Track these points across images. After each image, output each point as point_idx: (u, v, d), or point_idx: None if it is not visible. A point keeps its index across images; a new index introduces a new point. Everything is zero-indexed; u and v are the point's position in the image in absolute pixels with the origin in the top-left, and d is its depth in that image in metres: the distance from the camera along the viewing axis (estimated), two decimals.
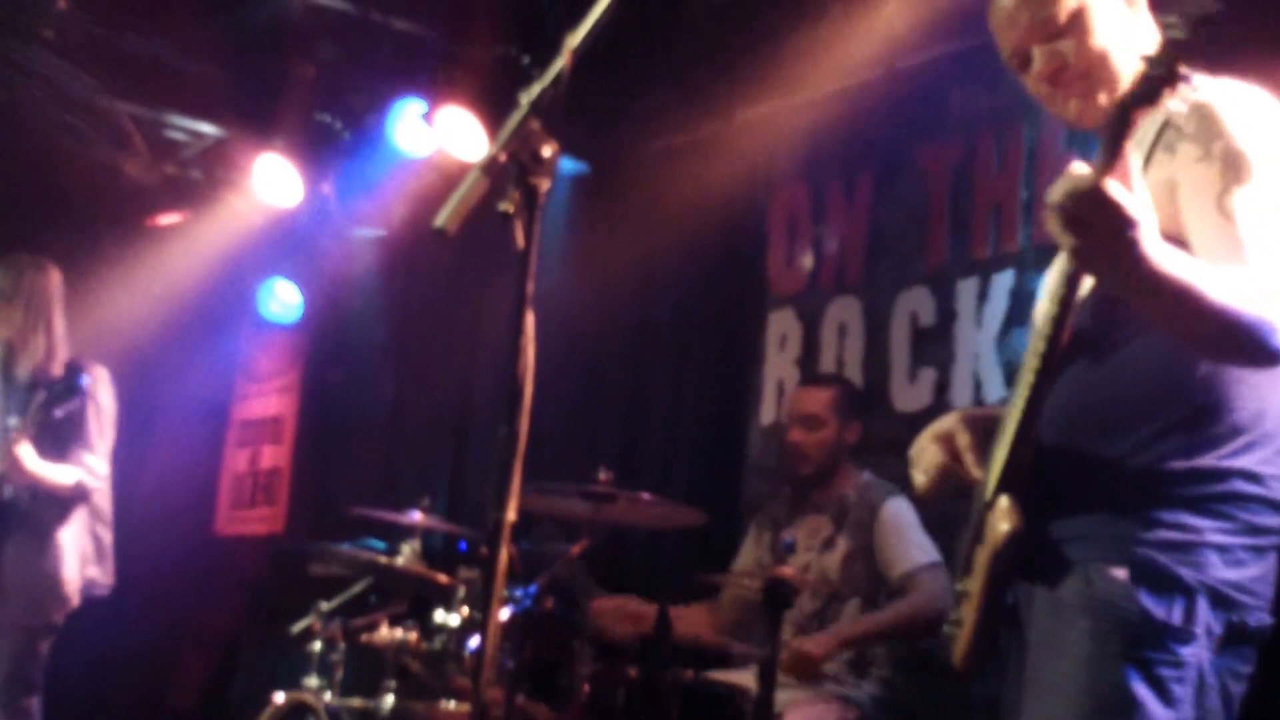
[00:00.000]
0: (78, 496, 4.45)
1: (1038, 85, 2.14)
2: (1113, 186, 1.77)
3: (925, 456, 2.24)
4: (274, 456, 7.05)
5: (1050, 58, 2.10)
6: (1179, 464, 1.96)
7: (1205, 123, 1.95)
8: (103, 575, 4.60)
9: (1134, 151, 1.89)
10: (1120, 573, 1.94)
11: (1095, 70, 2.08)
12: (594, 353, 5.66)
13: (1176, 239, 1.92)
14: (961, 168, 4.59)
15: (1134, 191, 1.82)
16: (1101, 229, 1.78)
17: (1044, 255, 4.09)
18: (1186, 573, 1.93)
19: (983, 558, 2.06)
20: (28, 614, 4.39)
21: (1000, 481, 2.03)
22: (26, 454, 4.27)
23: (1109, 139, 1.81)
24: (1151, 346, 1.98)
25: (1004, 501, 2.01)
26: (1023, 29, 2.12)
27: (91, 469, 4.47)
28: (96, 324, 5.60)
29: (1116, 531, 1.97)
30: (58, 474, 4.38)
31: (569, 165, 5.61)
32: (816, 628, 3.92)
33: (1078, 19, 2.08)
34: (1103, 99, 2.07)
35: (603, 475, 3.73)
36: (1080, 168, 1.80)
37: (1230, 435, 1.97)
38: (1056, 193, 1.80)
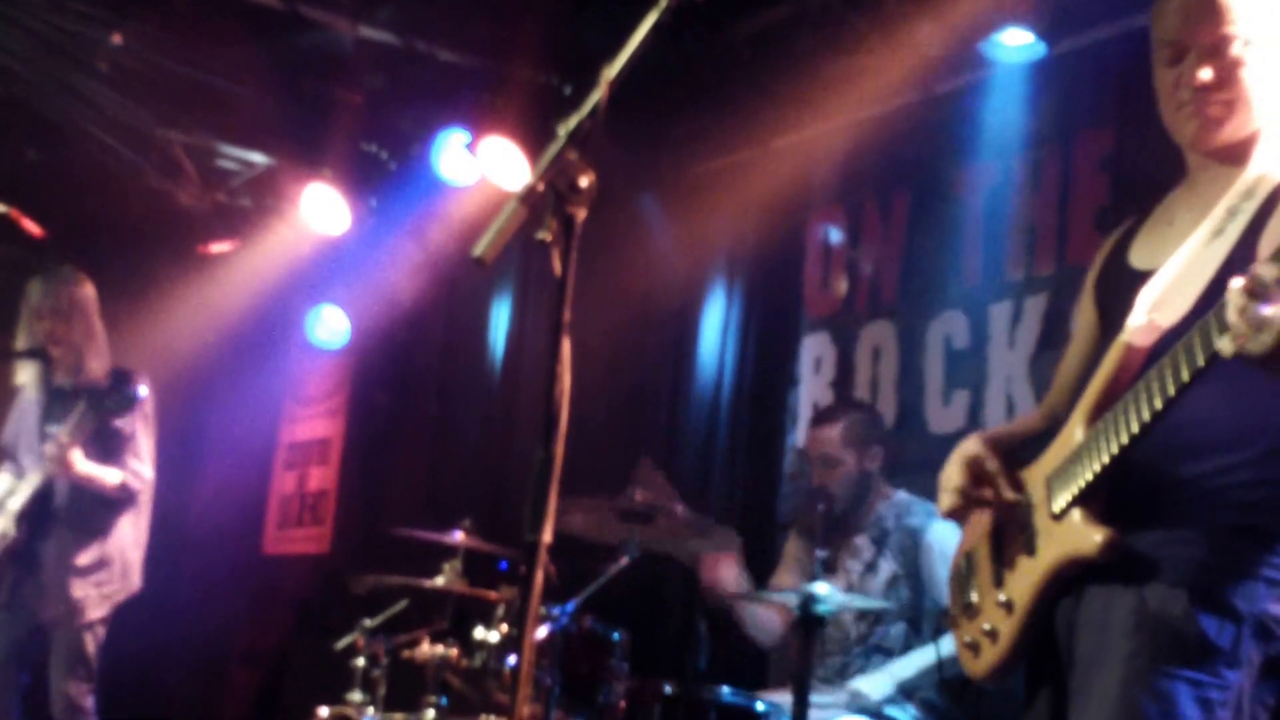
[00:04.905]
0: (124, 498, 4.63)
1: (1179, 89, 2.17)
2: None
3: (952, 480, 2.32)
4: (321, 478, 7.14)
5: (1208, 68, 2.13)
6: (1248, 495, 2.02)
7: None
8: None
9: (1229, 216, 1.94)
10: (1179, 594, 1.99)
11: (1236, 99, 2.14)
12: (633, 373, 5.71)
13: None
14: (996, 191, 4.62)
15: None
16: None
17: (1076, 278, 4.12)
18: (1241, 603, 1.98)
19: (1038, 568, 2.12)
20: (70, 612, 4.55)
21: (1079, 497, 2.08)
22: (77, 459, 4.46)
23: None
24: (1235, 382, 2.00)
25: (1078, 515, 2.06)
26: (1197, 26, 2.14)
27: (138, 473, 4.67)
28: (150, 348, 5.74)
29: (1179, 553, 2.02)
30: (105, 474, 4.57)
31: None
32: (860, 650, 3.96)
33: (1247, 50, 2.14)
34: (1227, 130, 2.14)
35: (639, 496, 3.79)
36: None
37: None
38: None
